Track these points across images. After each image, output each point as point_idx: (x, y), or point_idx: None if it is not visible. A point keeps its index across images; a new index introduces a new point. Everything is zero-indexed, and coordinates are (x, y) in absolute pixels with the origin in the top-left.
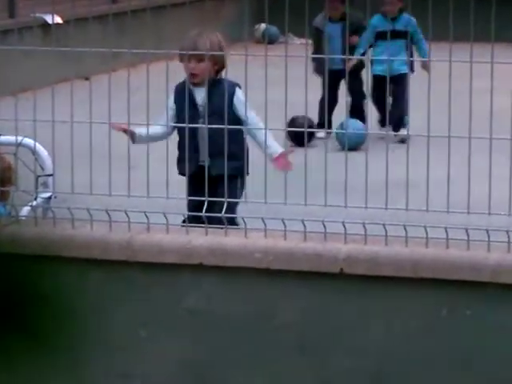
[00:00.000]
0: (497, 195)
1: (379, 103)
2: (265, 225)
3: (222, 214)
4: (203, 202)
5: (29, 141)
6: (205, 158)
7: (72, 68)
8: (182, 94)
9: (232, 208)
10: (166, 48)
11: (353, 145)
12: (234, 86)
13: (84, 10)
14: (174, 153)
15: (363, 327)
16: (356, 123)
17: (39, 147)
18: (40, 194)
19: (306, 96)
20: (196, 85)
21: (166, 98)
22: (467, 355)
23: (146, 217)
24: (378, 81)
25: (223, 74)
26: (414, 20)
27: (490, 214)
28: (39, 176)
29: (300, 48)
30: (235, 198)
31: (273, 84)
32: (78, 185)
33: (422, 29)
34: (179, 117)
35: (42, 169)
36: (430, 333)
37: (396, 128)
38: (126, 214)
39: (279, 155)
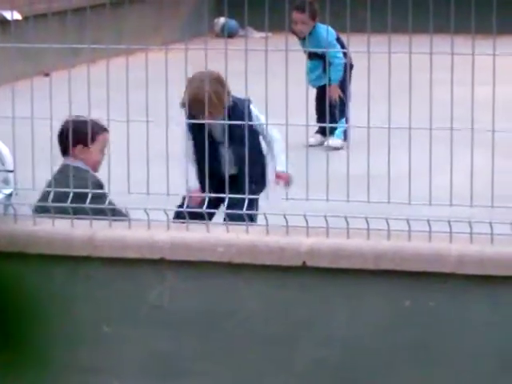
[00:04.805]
0: (458, 186)
1: (317, 113)
2: (227, 219)
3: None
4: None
5: None
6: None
7: (32, 64)
8: (196, 126)
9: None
10: (126, 43)
11: None
12: (248, 106)
13: (43, 6)
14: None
15: (326, 320)
16: None
17: (0, 144)
18: (1, 190)
19: (267, 90)
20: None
21: (126, 93)
22: (430, 346)
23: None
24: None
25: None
26: (325, 36)
27: (451, 205)
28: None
29: (260, 41)
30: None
31: (233, 77)
32: (39, 181)
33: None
34: (196, 139)
35: (3, 165)
36: (394, 324)
37: (324, 135)
38: (89, 210)
39: (281, 172)
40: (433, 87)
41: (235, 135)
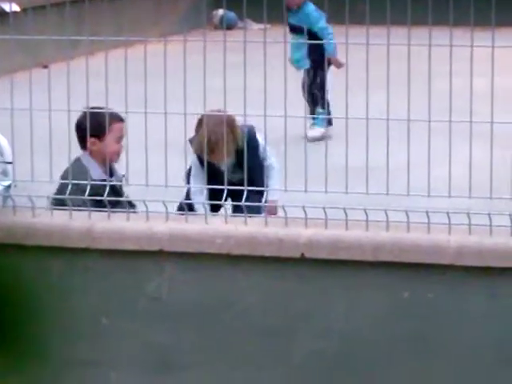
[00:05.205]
0: (457, 178)
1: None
2: (226, 211)
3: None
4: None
5: None
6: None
7: (31, 56)
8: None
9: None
10: (125, 35)
11: None
12: (254, 136)
13: None
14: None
15: (325, 311)
16: None
17: None
18: (0, 182)
19: (265, 82)
20: None
21: (125, 85)
22: (429, 338)
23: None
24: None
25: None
26: (317, 14)
27: (450, 196)
28: None
29: (259, 33)
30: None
31: (231, 70)
32: (37, 173)
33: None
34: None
35: (2, 157)
36: (392, 316)
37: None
38: (86, 202)
39: (272, 201)
40: (431, 79)
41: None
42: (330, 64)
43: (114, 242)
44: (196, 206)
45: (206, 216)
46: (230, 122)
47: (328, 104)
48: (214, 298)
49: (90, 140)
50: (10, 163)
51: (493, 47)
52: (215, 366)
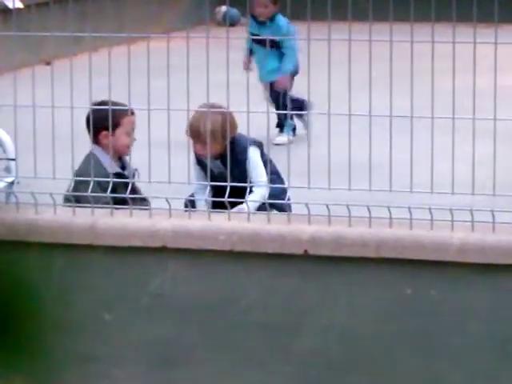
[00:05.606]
0: (460, 174)
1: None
2: (228, 207)
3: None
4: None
5: None
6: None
7: (33, 53)
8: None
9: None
10: (127, 32)
11: None
12: (246, 149)
13: None
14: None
15: (328, 308)
16: None
17: (2, 132)
18: (3, 178)
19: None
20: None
21: (128, 81)
22: (431, 335)
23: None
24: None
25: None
26: (285, 27)
27: (453, 193)
28: (1, 159)
29: None
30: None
31: (234, 66)
32: (40, 169)
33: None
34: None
35: (5, 153)
36: (395, 312)
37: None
38: (90, 198)
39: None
40: (434, 76)
41: (232, 175)
42: (296, 73)
43: (117, 238)
44: (198, 203)
45: (209, 213)
46: (222, 119)
47: (292, 116)
48: (216, 295)
49: (103, 133)
50: (13, 160)
51: (496, 44)
52: (218, 362)
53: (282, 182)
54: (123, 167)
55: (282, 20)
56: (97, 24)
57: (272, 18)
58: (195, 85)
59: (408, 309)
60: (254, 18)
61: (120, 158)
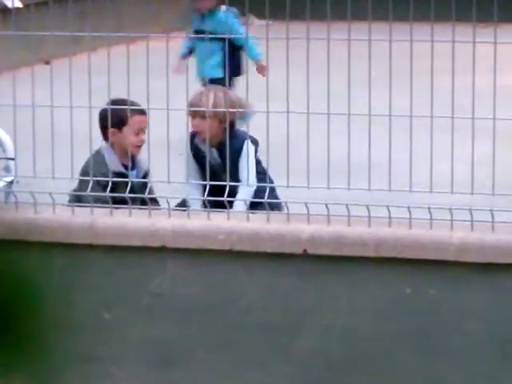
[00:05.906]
0: (459, 174)
1: None
2: (227, 207)
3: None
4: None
5: None
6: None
7: (33, 52)
8: (194, 149)
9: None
10: (126, 31)
11: None
12: (242, 143)
13: None
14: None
15: (327, 307)
16: None
17: (1, 131)
18: (2, 178)
19: (267, 77)
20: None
21: (127, 81)
22: (431, 334)
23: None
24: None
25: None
26: (233, 20)
27: (452, 192)
28: (0, 159)
29: (261, 29)
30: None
31: None
32: (40, 169)
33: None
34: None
35: (4, 153)
36: (394, 312)
37: None
38: (87, 197)
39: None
40: (434, 75)
41: (225, 168)
42: (240, 74)
43: (116, 238)
44: (191, 202)
45: (209, 212)
46: (225, 97)
47: None
48: (216, 294)
49: (110, 130)
50: (12, 159)
51: (495, 43)
52: (217, 361)
53: (270, 181)
54: (133, 167)
55: (221, 12)
56: (96, 23)
57: (212, 11)
58: (195, 85)
59: (407, 308)
60: (196, 13)
61: (132, 158)
